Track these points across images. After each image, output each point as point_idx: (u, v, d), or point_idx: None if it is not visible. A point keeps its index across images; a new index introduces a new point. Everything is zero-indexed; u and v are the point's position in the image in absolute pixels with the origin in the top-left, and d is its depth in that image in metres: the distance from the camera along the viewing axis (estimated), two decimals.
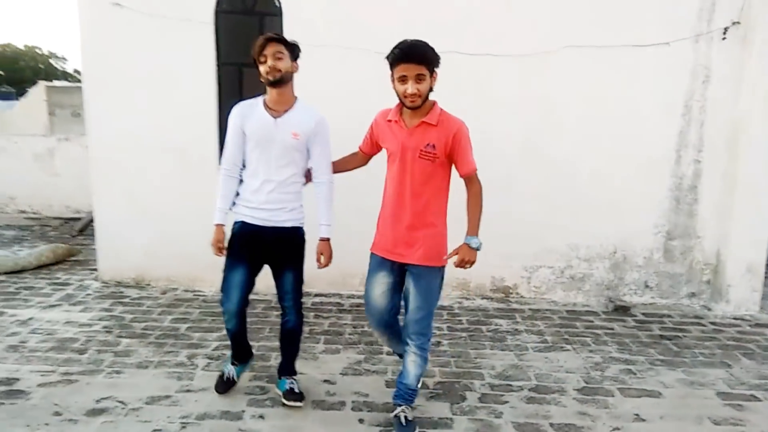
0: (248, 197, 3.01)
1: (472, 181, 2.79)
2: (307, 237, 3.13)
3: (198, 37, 4.75)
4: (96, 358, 3.72)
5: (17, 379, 3.43)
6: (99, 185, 5.01)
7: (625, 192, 4.82)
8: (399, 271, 2.90)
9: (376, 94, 4.61)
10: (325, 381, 3.50)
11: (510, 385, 3.51)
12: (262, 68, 2.86)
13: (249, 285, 3.07)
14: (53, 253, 5.71)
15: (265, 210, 2.98)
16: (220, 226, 3.02)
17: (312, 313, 4.54)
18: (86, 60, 4.85)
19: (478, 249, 2.73)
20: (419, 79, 2.58)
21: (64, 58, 52.19)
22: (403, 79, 2.60)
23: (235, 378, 3.33)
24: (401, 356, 3.08)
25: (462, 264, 2.75)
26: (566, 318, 4.64)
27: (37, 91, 25.50)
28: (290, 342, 3.24)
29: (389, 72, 2.66)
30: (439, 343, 4.07)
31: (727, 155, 4.73)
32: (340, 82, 4.67)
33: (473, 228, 2.77)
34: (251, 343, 3.46)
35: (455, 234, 2.87)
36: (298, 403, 3.13)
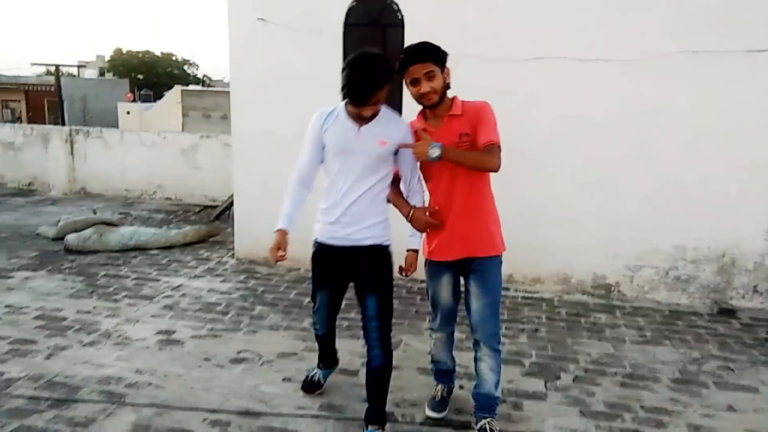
0: (326, 212, 2.78)
1: (490, 150, 2.60)
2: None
3: (329, 47, 5.33)
4: (236, 319, 4.37)
5: (174, 331, 4.14)
6: (239, 176, 5.75)
7: (735, 196, 4.80)
8: (458, 273, 2.90)
9: (485, 95, 5.01)
10: (429, 353, 3.89)
11: (604, 371, 3.73)
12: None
13: (335, 305, 3.03)
14: (197, 233, 6.57)
15: (343, 225, 2.72)
16: (281, 231, 2.76)
17: (418, 297, 4.96)
18: (233, 66, 5.59)
19: (435, 154, 2.51)
20: (429, 76, 2.59)
21: (196, 64, 56.45)
22: (415, 83, 2.62)
23: (322, 380, 3.32)
24: (444, 379, 3.22)
25: (414, 150, 2.62)
26: (668, 317, 4.73)
27: (173, 95, 28.04)
28: (378, 383, 2.80)
29: (406, 85, 2.68)
30: (536, 330, 4.34)
31: None
32: (454, 86, 5.06)
33: (453, 148, 2.62)
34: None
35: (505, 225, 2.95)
36: None
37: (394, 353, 3.74)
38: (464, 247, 2.78)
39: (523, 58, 4.94)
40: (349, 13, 5.35)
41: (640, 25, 4.78)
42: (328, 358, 3.34)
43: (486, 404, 2.87)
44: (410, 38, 5.14)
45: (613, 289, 5.13)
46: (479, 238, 2.78)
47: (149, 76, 51.89)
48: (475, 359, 2.90)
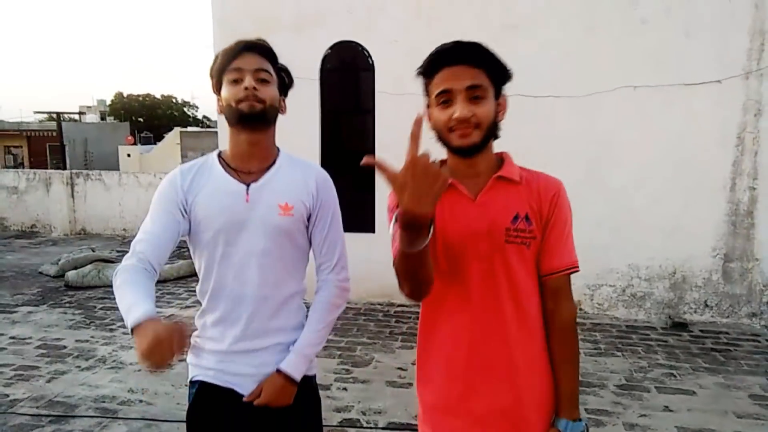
0: (209, 334, 1.70)
1: (562, 292, 1.54)
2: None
3: (308, 91, 5.82)
4: None
5: None
6: None
7: (682, 217, 5.22)
8: None
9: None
10: (399, 368, 4.26)
11: None
12: (231, 91, 1.61)
13: None
14: (189, 267, 6.96)
15: (242, 355, 1.65)
16: (148, 321, 1.36)
17: (393, 319, 5.34)
18: None
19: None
20: (475, 95, 1.40)
21: (195, 106, 57.51)
22: (446, 98, 1.42)
23: None
24: None
25: None
26: (624, 331, 5.09)
27: (172, 136, 28.72)
28: None
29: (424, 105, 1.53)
30: None
31: None
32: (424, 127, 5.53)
33: (568, 402, 1.50)
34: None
35: None
36: None
37: (366, 369, 4.16)
38: (506, 424, 1.47)
39: None
40: (325, 59, 5.85)
41: (586, 64, 5.27)
42: None
43: None
44: (381, 81, 5.64)
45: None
46: (533, 416, 1.49)
47: (149, 119, 52.86)
48: None
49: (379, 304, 5.71)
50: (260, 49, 1.66)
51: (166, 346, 1.29)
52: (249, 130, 1.63)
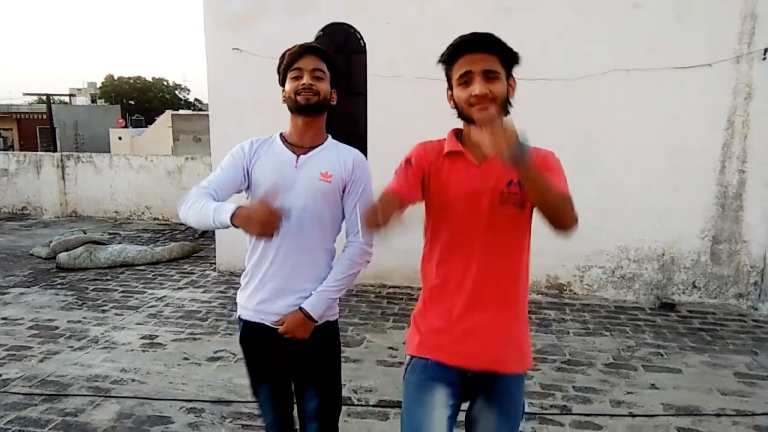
0: (250, 276, 2.10)
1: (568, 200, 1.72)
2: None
3: None
4: (214, 324, 4.76)
5: (157, 336, 4.52)
6: None
7: (672, 200, 5.26)
8: (461, 387, 1.83)
9: (442, 116, 5.47)
10: (390, 348, 4.30)
11: (545, 358, 4.14)
12: (291, 85, 2.03)
13: (283, 397, 2.18)
14: (181, 249, 6.97)
15: (274, 293, 2.04)
16: (242, 207, 1.80)
17: (385, 300, 5.38)
18: (211, 92, 6.05)
19: (523, 154, 1.48)
20: (491, 77, 1.70)
21: (187, 89, 57.09)
22: (466, 79, 1.72)
23: None
24: None
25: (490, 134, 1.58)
26: (613, 312, 5.15)
27: (164, 119, 28.55)
28: None
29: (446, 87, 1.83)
30: None
31: None
32: (412, 107, 5.53)
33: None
34: None
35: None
36: None
37: (357, 349, 4.20)
38: (493, 354, 1.79)
39: None
40: (317, 41, 5.82)
41: (578, 47, 5.27)
42: None
43: None
44: (373, 63, 5.63)
45: (565, 288, 5.55)
46: (515, 341, 1.83)
47: (141, 102, 52.47)
48: None
49: (371, 286, 5.74)
50: (318, 51, 2.05)
51: (270, 209, 1.73)
52: (304, 116, 2.04)
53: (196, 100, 56.27)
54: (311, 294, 2.03)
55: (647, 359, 4.13)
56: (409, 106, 5.47)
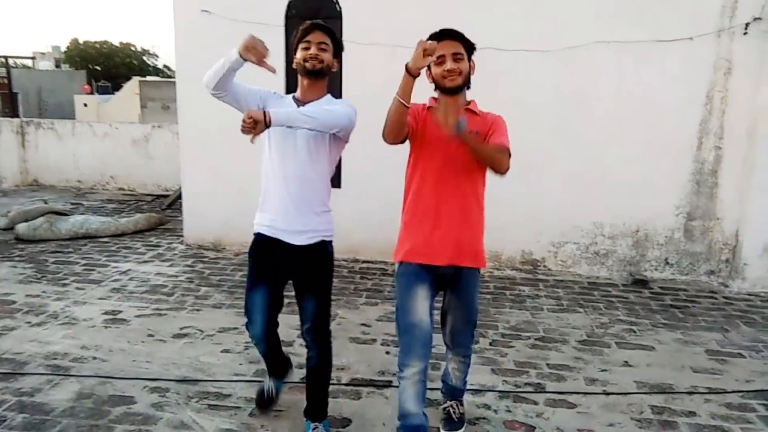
0: (264, 200, 2.68)
1: (503, 151, 2.45)
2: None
3: (271, 39, 5.52)
4: (180, 299, 4.60)
5: (120, 311, 4.35)
6: (187, 164, 5.95)
7: (649, 175, 5.22)
8: (437, 281, 2.58)
9: (418, 84, 5.31)
10: (363, 324, 4.21)
11: (519, 335, 4.09)
12: (301, 54, 2.55)
13: (274, 306, 2.74)
14: (147, 221, 6.74)
15: (283, 214, 2.60)
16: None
17: (358, 276, 5.27)
18: (179, 57, 5.78)
19: (461, 126, 2.24)
20: (457, 58, 2.46)
21: (156, 55, 55.50)
22: (441, 60, 2.45)
23: (274, 393, 3.02)
24: None
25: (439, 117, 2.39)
26: (586, 288, 5.13)
27: (131, 86, 27.71)
28: (315, 382, 2.77)
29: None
30: None
31: (746, 142, 5.05)
32: (389, 76, 5.34)
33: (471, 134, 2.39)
34: None
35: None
36: None
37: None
38: (455, 253, 2.52)
39: None
40: (290, 5, 5.58)
41: (559, 17, 5.14)
42: (277, 369, 3.03)
43: (453, 393, 2.92)
44: (349, 30, 5.41)
45: (539, 264, 5.52)
46: (471, 245, 2.56)
47: (107, 67, 50.83)
48: (446, 358, 2.91)
49: (344, 260, 5.62)
50: (323, 28, 2.60)
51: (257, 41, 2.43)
52: (309, 79, 2.59)
53: (165, 66, 54.71)
54: (312, 214, 2.61)
55: (620, 336, 4.11)
56: (386, 76, 5.28)
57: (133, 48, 54.94)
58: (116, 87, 34.91)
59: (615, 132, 5.23)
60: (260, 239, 2.67)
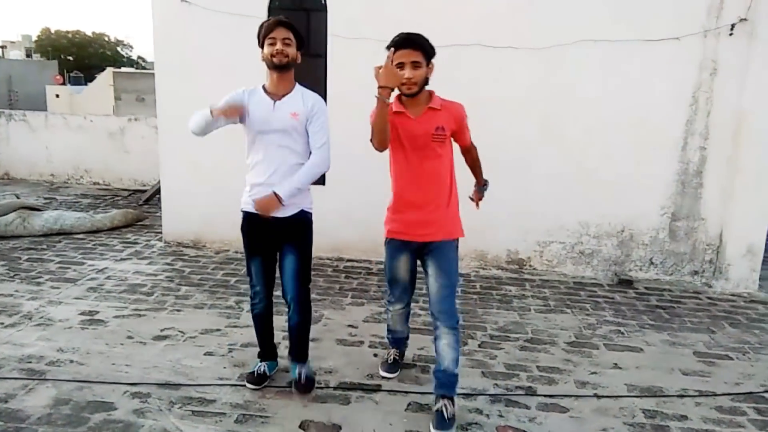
0: (250, 183, 3.03)
1: (473, 147, 3.16)
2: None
3: (253, 30, 5.39)
4: (160, 299, 4.46)
5: (97, 312, 4.20)
6: (166, 158, 5.78)
7: (634, 175, 5.22)
8: (417, 253, 3.05)
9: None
10: (349, 326, 4.12)
11: (508, 336, 4.05)
12: (268, 50, 2.87)
13: (269, 267, 3.18)
14: (124, 217, 6.56)
15: (265, 193, 2.93)
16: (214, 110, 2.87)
17: (343, 275, 5.18)
18: (158, 49, 5.60)
19: (486, 189, 3.33)
20: (415, 66, 2.75)
21: (130, 46, 54.56)
22: (400, 66, 2.75)
23: (268, 372, 3.30)
24: (399, 344, 3.47)
25: (478, 201, 3.36)
26: (572, 288, 5.12)
27: (105, 77, 27.13)
28: (298, 335, 3.20)
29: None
30: None
31: (731, 143, 5.07)
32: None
33: (480, 178, 3.31)
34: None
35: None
36: (307, 393, 3.16)
37: (316, 327, 4.01)
38: (426, 231, 2.95)
39: (438, 44, 5.14)
40: None
41: (546, 15, 5.09)
42: (267, 351, 3.35)
43: (446, 381, 2.92)
44: (334, 23, 5.31)
45: (525, 263, 5.49)
46: (440, 223, 2.96)
47: (80, 58, 49.80)
48: (435, 338, 2.97)
49: (329, 259, 5.53)
50: (287, 24, 2.91)
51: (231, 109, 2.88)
52: (277, 72, 2.92)
53: (139, 57, 53.80)
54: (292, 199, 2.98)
55: (608, 337, 4.10)
56: (372, 71, 5.21)
57: (106, 38, 53.95)
58: (89, 78, 34.18)
59: (601, 131, 5.21)
60: (248, 216, 3.07)
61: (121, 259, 5.42)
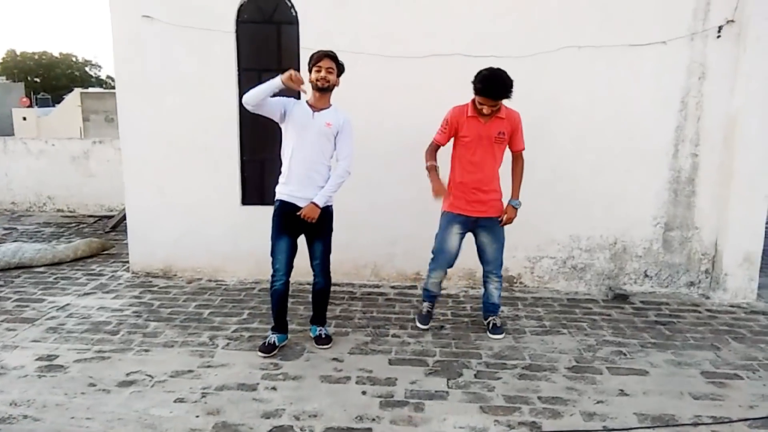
0: (284, 176, 3.77)
1: (521, 156, 4.11)
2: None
3: (221, 46, 5.11)
4: (127, 339, 4.10)
5: (56, 356, 3.82)
6: (131, 183, 5.42)
7: (625, 185, 5.02)
8: (469, 226, 4.05)
9: (378, 93, 4.96)
10: (334, 359, 3.81)
11: (505, 363, 3.77)
12: (314, 75, 3.64)
13: (292, 249, 3.83)
14: (88, 246, 6.15)
15: (298, 186, 3.72)
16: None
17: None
18: (119, 68, 5.26)
19: (519, 207, 4.08)
20: (497, 108, 3.89)
21: (98, 65, 53.72)
22: (486, 109, 3.86)
23: (277, 343, 3.89)
24: (433, 300, 4.40)
25: (508, 221, 4.07)
26: (566, 305, 4.87)
27: (73, 98, 26.45)
28: (320, 300, 4.04)
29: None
30: (441, 327, 4.35)
31: (723, 148, 4.90)
32: (348, 82, 4.98)
33: (516, 192, 4.08)
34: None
35: None
36: (326, 346, 3.97)
37: (296, 362, 3.69)
38: (483, 209, 4.02)
39: (419, 55, 4.93)
40: (242, 9, 5.16)
41: (529, 22, 4.89)
42: (280, 325, 3.95)
43: (493, 309, 4.26)
44: (305, 36, 5.03)
45: (515, 280, 5.23)
46: (493, 204, 4.04)
47: (47, 79, 48.81)
48: (485, 282, 4.24)
49: (308, 284, 5.19)
50: (332, 56, 3.71)
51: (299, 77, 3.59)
52: (319, 93, 3.70)
53: (108, 77, 52.85)
54: (319, 188, 3.75)
55: (611, 360, 3.85)
56: (345, 83, 4.94)
57: (74, 59, 53.02)
58: (57, 99, 33.39)
59: (588, 140, 5.01)
60: (282, 204, 3.80)
61: (85, 294, 5.03)
